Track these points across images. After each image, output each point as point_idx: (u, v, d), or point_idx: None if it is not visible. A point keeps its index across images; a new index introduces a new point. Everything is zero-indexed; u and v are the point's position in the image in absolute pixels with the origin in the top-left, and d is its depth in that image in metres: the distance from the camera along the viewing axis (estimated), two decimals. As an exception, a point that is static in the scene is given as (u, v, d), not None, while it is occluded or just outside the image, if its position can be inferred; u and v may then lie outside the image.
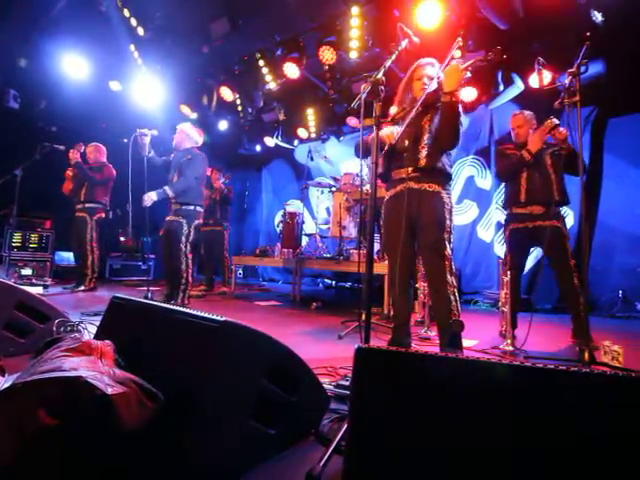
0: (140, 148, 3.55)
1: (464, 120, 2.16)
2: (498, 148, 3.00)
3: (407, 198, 2.09)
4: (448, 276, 2.05)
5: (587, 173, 2.93)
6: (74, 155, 4.68)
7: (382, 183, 2.43)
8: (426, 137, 2.13)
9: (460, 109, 2.05)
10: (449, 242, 2.09)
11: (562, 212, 2.80)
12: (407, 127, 2.10)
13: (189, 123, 4.05)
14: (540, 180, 2.73)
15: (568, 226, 2.82)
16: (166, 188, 3.65)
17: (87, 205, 4.77)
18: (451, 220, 2.12)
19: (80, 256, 4.78)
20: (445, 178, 2.16)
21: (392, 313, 2.30)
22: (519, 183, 2.79)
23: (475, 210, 5.71)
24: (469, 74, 1.97)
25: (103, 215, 4.86)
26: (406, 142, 2.17)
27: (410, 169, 2.13)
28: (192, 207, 3.74)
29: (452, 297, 2.05)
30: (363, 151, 1.72)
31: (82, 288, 4.64)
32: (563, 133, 2.60)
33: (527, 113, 2.90)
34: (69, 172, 4.88)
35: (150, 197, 3.59)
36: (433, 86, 2.06)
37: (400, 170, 2.18)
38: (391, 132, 2.11)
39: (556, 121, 2.62)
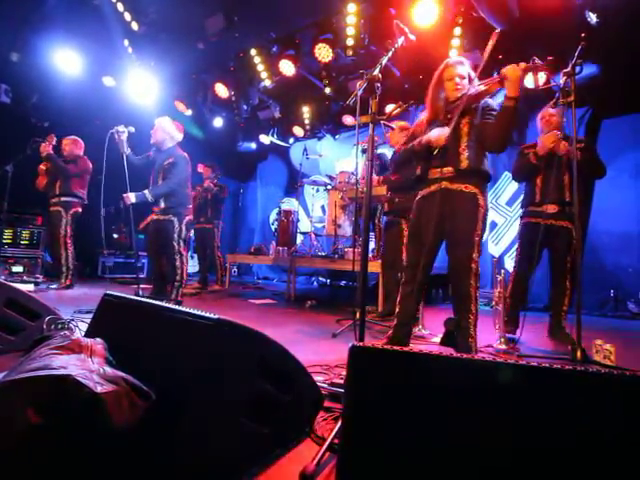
0: (118, 146, 3.44)
1: None
2: (519, 148, 3.11)
3: (440, 198, 2.07)
4: (472, 279, 2.02)
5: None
6: (45, 148, 4.46)
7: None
8: (466, 139, 2.09)
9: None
10: (478, 245, 2.05)
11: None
12: (438, 127, 2.10)
13: (167, 118, 3.86)
14: (554, 181, 2.76)
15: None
16: (146, 192, 3.58)
17: (62, 199, 4.57)
18: (484, 222, 2.08)
19: (54, 253, 4.61)
20: (484, 179, 2.13)
21: (397, 311, 2.26)
22: (535, 184, 2.92)
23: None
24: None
25: (79, 210, 4.67)
26: None
27: (447, 169, 2.09)
28: (181, 205, 3.70)
29: (474, 298, 2.03)
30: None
31: (55, 286, 4.45)
32: (562, 148, 2.67)
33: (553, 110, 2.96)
34: (42, 166, 4.68)
35: (129, 198, 3.52)
36: (478, 89, 2.03)
37: (435, 170, 2.14)
38: (440, 135, 2.05)
39: (559, 133, 2.67)
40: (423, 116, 2.33)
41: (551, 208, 2.80)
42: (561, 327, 2.85)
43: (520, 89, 1.96)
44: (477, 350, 2.11)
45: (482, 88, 2.05)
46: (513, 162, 3.12)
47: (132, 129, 3.50)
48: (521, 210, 3.12)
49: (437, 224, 2.07)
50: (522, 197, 3.17)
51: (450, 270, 2.15)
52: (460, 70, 2.14)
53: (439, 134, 2.05)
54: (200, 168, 5.75)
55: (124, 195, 3.52)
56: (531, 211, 2.95)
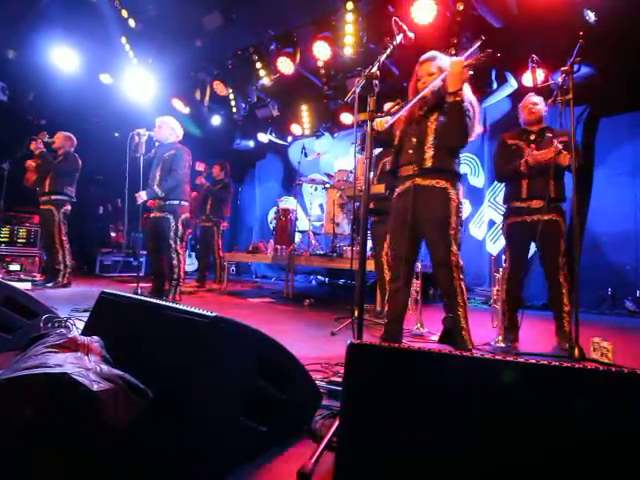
0: (135, 147, 3.50)
1: (477, 114, 2.13)
2: (499, 137, 2.92)
3: (413, 194, 2.10)
4: (455, 272, 2.07)
5: (582, 170, 2.91)
6: (37, 145, 4.45)
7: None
8: (431, 137, 2.12)
9: (466, 107, 2.02)
10: (455, 238, 2.10)
11: (562, 207, 2.76)
12: (413, 124, 2.14)
13: (170, 117, 3.97)
14: (541, 176, 2.68)
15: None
16: (155, 188, 3.61)
17: (53, 197, 4.53)
18: (458, 217, 2.11)
19: (49, 251, 4.58)
20: (452, 176, 2.14)
21: (386, 309, 2.27)
22: (520, 179, 2.75)
23: (468, 208, 5.74)
24: (470, 72, 1.97)
25: (69, 208, 4.62)
26: (413, 140, 2.16)
27: (416, 167, 2.13)
28: (177, 202, 3.69)
29: (460, 290, 2.07)
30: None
31: (50, 284, 4.42)
32: (565, 161, 2.60)
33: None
34: (31, 162, 4.63)
35: (141, 196, 3.58)
36: (437, 83, 2.03)
37: (407, 167, 2.18)
38: (380, 121, 2.08)
39: (560, 146, 2.61)
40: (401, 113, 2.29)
41: (536, 203, 2.68)
42: (563, 331, 2.65)
43: (460, 83, 1.99)
44: (472, 343, 2.13)
45: (437, 84, 2.04)
46: (495, 154, 2.93)
47: (152, 133, 3.64)
48: (503, 207, 2.94)
49: (412, 219, 2.10)
50: (504, 192, 2.96)
51: (433, 267, 2.19)
52: (429, 67, 2.15)
53: (379, 120, 2.06)
54: (199, 166, 5.77)
55: (136, 194, 3.57)
56: (514, 208, 2.79)
